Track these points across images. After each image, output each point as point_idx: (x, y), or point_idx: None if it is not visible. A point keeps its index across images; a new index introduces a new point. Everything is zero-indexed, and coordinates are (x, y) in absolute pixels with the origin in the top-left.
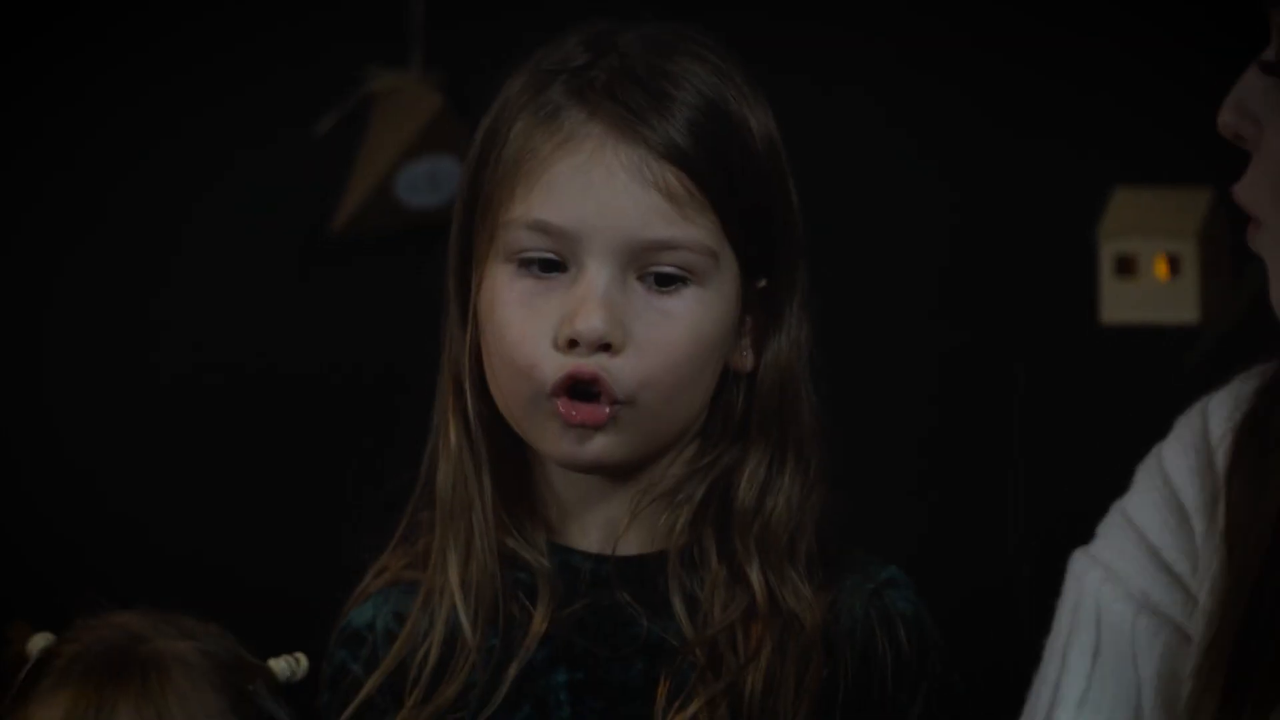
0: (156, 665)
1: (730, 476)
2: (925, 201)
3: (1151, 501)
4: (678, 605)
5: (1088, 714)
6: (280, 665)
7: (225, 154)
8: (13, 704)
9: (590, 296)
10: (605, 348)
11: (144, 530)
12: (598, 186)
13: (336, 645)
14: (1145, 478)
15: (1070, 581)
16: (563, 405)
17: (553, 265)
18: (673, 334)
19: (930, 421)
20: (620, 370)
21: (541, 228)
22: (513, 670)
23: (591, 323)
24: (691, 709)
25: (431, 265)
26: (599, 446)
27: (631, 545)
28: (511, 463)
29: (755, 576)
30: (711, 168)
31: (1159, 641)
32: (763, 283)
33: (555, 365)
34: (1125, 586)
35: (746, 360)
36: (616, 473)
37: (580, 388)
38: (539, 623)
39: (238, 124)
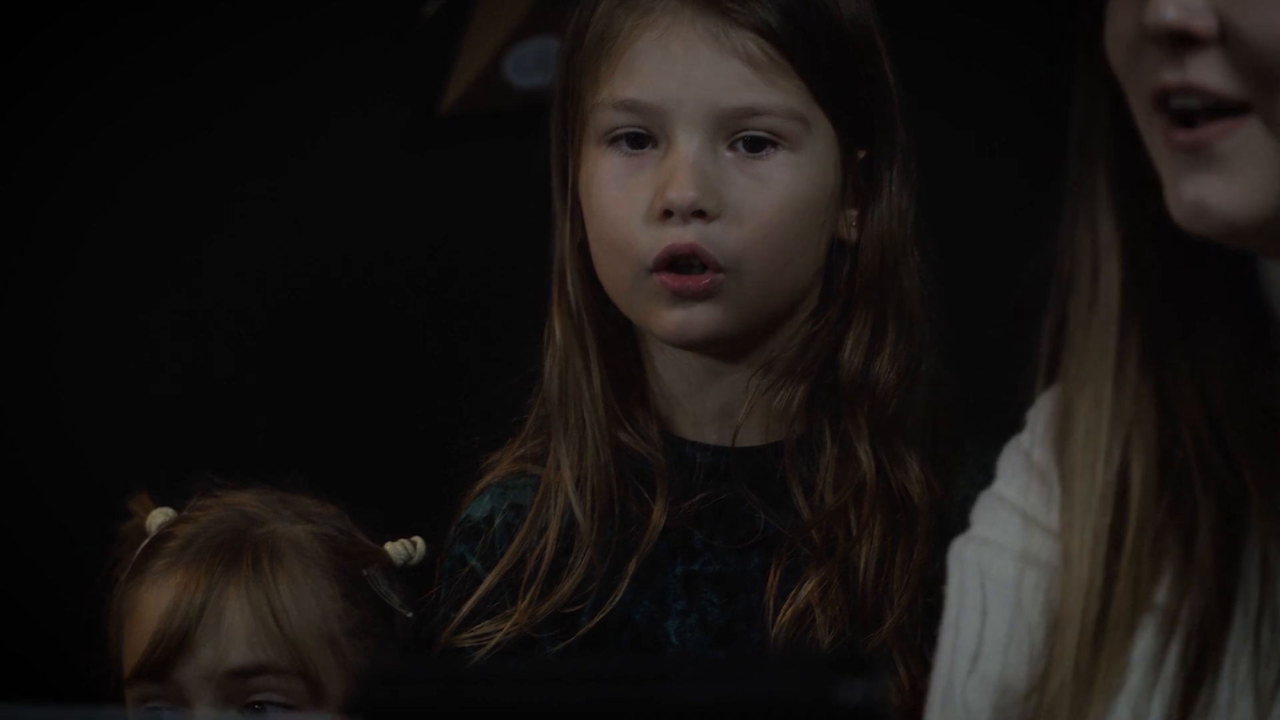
0: (269, 549)
1: (836, 348)
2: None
3: (1016, 477)
4: (796, 492)
5: (983, 664)
6: (397, 549)
7: (332, 36)
8: (127, 581)
9: (680, 166)
10: (700, 215)
11: (251, 424)
12: (678, 58)
13: (455, 538)
14: (1007, 460)
15: (952, 565)
16: (664, 278)
17: (642, 140)
18: (768, 198)
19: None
20: (718, 237)
21: (627, 105)
22: (632, 565)
23: (683, 191)
24: (805, 591)
25: (540, 148)
26: (706, 318)
27: (748, 437)
28: (621, 355)
29: (865, 453)
30: (792, 33)
31: (1043, 587)
32: (863, 153)
33: (652, 239)
34: (1006, 549)
35: (852, 231)
36: (727, 352)
37: (680, 263)
38: (657, 517)
39: (345, 5)
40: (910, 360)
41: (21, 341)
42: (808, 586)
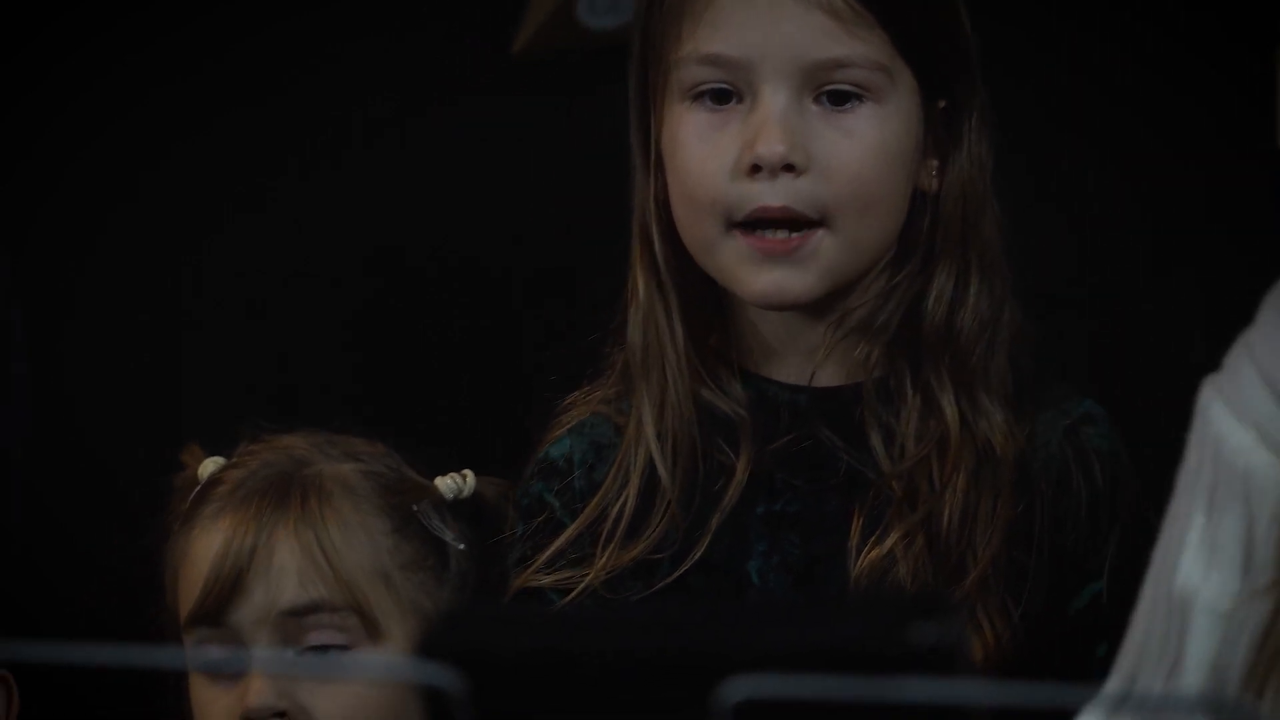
0: (317, 489)
1: (919, 299)
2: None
3: (1273, 337)
4: (874, 439)
5: (1205, 552)
6: (446, 484)
7: None
8: (180, 529)
9: (768, 120)
10: (789, 170)
11: (327, 380)
12: (762, 11)
13: (533, 477)
14: (1270, 310)
15: (1198, 412)
16: (752, 241)
17: (727, 96)
18: (855, 151)
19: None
20: (808, 192)
21: (712, 60)
22: (715, 521)
23: (772, 145)
24: (888, 543)
25: (611, 89)
26: (797, 283)
27: (828, 378)
28: (703, 311)
29: (948, 404)
30: None
31: (1273, 478)
32: (943, 103)
33: (739, 196)
34: (1244, 420)
35: (933, 181)
36: (813, 307)
37: (769, 224)
38: (740, 472)
39: None
40: (993, 311)
41: (84, 303)
42: (891, 537)
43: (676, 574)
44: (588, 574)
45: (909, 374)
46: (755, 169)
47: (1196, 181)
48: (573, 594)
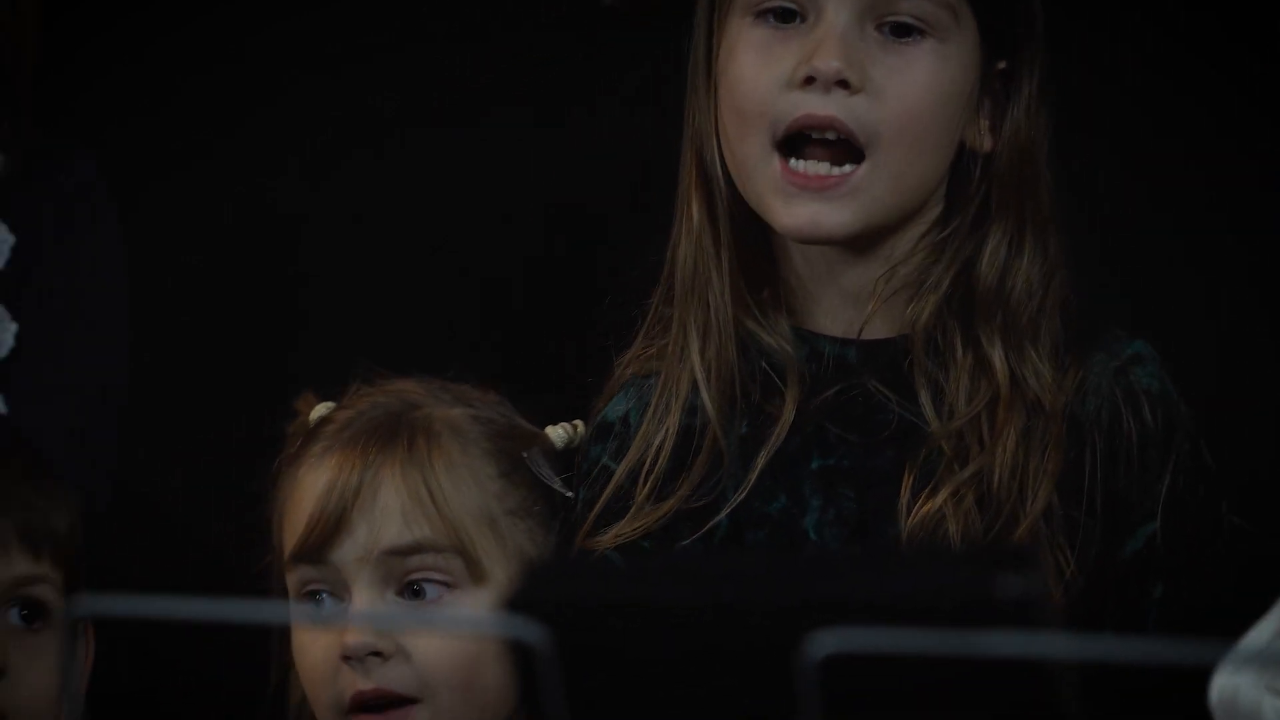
0: (426, 431)
1: (972, 260)
2: None
3: None
4: (923, 394)
5: None
6: (558, 432)
7: None
8: (287, 467)
9: (829, 36)
10: (843, 86)
11: (442, 328)
12: None
13: (591, 440)
14: None
15: None
16: (792, 176)
17: (790, 15)
18: (912, 82)
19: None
20: (859, 111)
21: None
22: (761, 459)
23: (828, 58)
24: (939, 499)
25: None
26: (834, 218)
27: (877, 330)
28: (753, 246)
29: (999, 361)
30: None
31: None
32: (1002, 64)
33: (789, 106)
34: None
35: (984, 140)
36: (853, 246)
37: (811, 140)
38: (788, 411)
39: None
40: (1044, 275)
41: (199, 247)
42: (943, 493)
43: (730, 518)
44: (641, 523)
45: (959, 331)
46: (809, 80)
47: (1205, 182)
48: (626, 544)
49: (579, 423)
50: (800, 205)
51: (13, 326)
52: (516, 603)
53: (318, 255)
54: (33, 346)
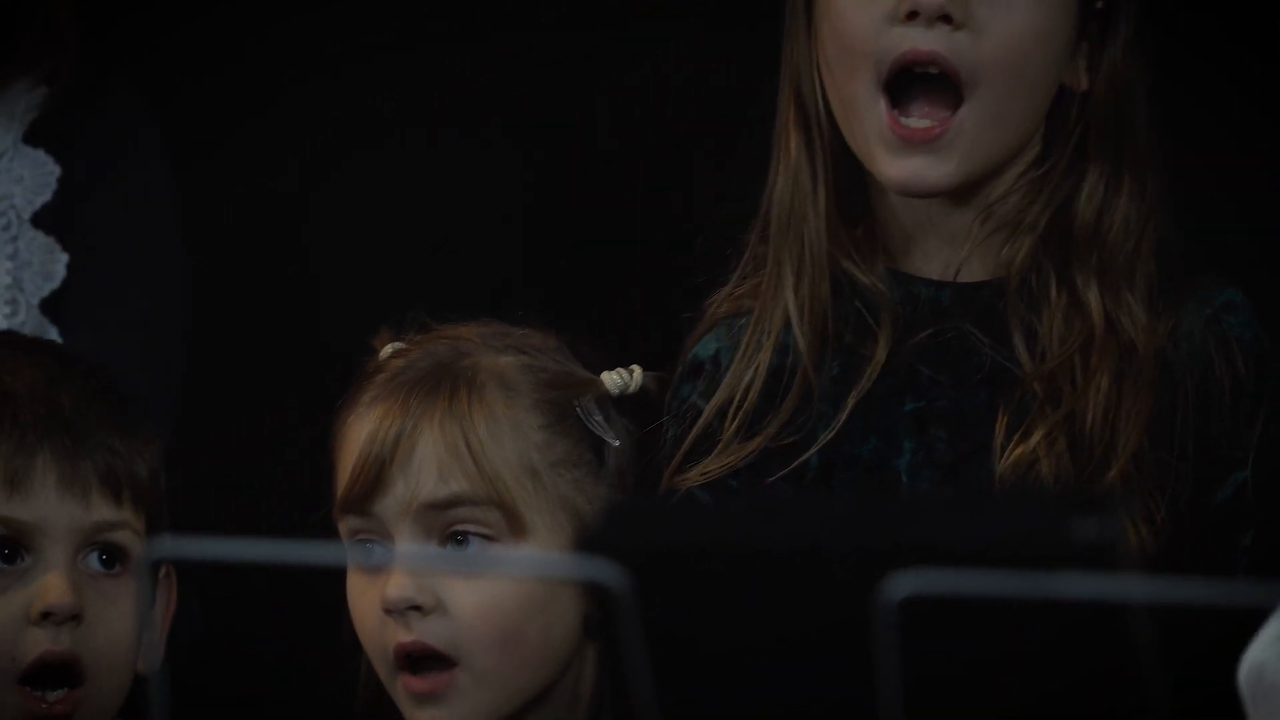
0: (469, 382)
1: (1069, 200)
2: None
3: None
4: (1017, 336)
5: None
6: (613, 379)
7: None
8: (342, 413)
9: None
10: (945, 20)
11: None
12: None
13: (680, 379)
14: None
15: None
16: (894, 124)
17: None
18: (1013, 19)
19: None
20: (962, 46)
21: None
22: (851, 399)
23: None
24: (1032, 441)
25: None
26: (933, 173)
27: (972, 272)
28: (849, 187)
29: (1094, 303)
30: None
31: None
32: (1100, 3)
33: (892, 41)
34: None
35: (1082, 80)
36: (954, 196)
37: (918, 71)
38: (881, 351)
39: None
40: (1141, 216)
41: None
42: (1036, 435)
43: (820, 458)
44: (728, 460)
45: (1054, 272)
46: (912, 15)
47: (1213, 181)
48: (719, 472)
49: (635, 368)
50: (904, 159)
51: (63, 257)
52: (592, 544)
53: (394, 201)
54: (84, 278)
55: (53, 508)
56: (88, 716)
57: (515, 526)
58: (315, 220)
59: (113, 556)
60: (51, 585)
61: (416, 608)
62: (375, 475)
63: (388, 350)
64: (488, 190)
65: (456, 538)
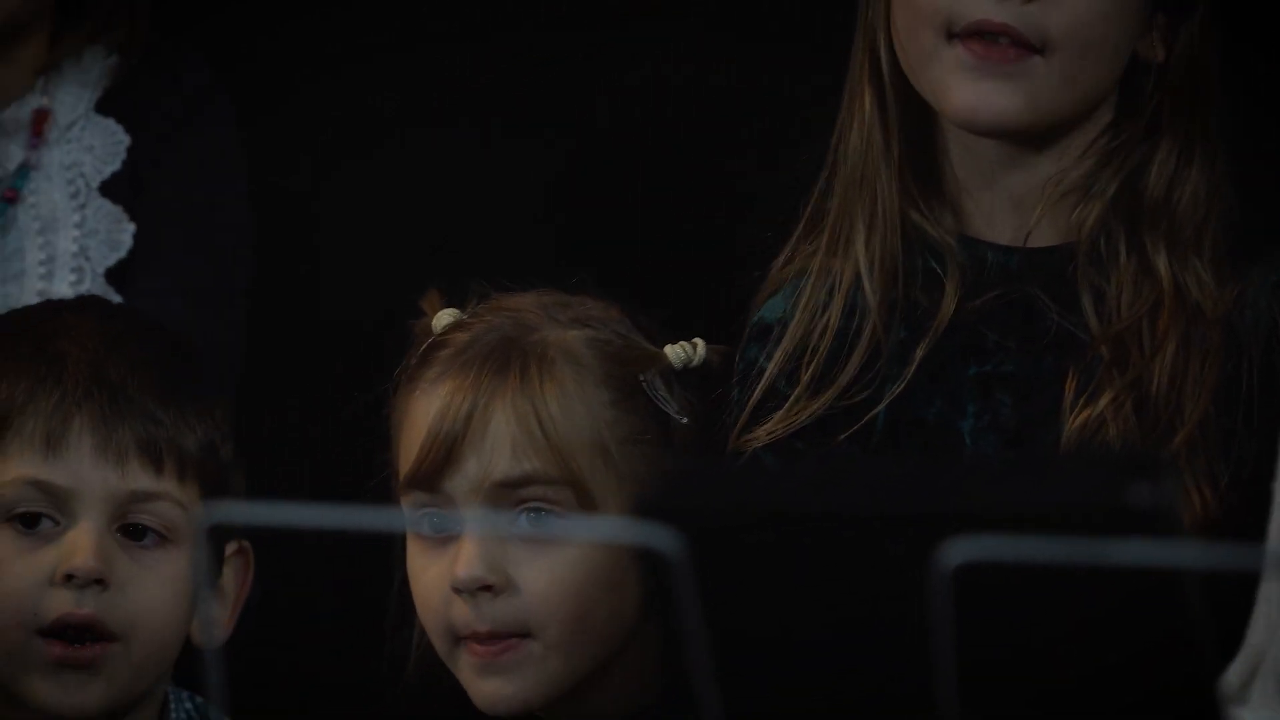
0: (540, 358)
1: (1140, 169)
2: None
3: None
4: (1085, 300)
5: None
6: (676, 352)
7: None
8: (404, 386)
9: None
10: None
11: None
12: None
13: (747, 340)
14: None
15: None
16: (971, 44)
17: None
18: None
19: None
20: (1034, 18)
21: None
22: (919, 353)
23: None
24: (1100, 404)
25: None
26: (1001, 101)
27: (1041, 237)
28: (921, 139)
29: (1162, 268)
30: None
31: None
32: None
33: (965, 7)
34: None
35: (1157, 51)
36: (1019, 142)
37: (988, 35)
38: (948, 306)
39: None
40: (1211, 189)
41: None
42: (1103, 399)
43: (886, 417)
44: (795, 418)
45: (1124, 237)
46: None
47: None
48: (785, 431)
49: (698, 341)
50: (975, 83)
51: (130, 227)
52: (647, 510)
53: (393, 201)
54: (151, 247)
55: (87, 473)
56: (118, 675)
57: (585, 503)
58: (323, 219)
59: (148, 527)
60: (77, 549)
61: (487, 588)
62: (446, 452)
63: (444, 319)
64: (488, 190)
65: (529, 514)
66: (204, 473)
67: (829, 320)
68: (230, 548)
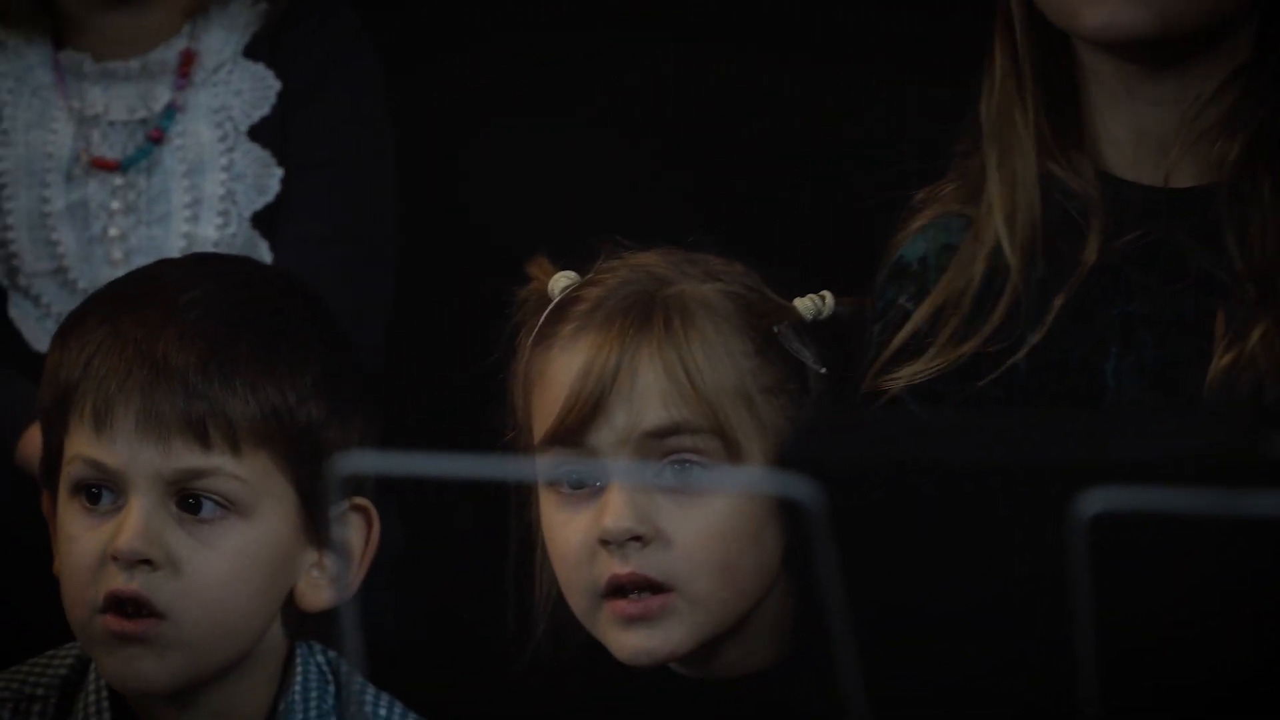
0: (681, 309)
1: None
2: None
3: None
4: (1229, 239)
5: None
6: (805, 305)
7: None
8: (534, 346)
9: None
10: None
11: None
12: None
13: (887, 280)
14: None
15: None
16: None
17: None
18: None
19: None
20: None
21: None
22: (1059, 301)
23: None
24: (1250, 341)
25: None
26: (1130, 14)
27: (1183, 177)
28: (1058, 88)
29: None
30: None
31: None
32: None
33: None
34: None
35: None
36: (1152, 63)
37: None
38: (1089, 253)
39: None
40: None
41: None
42: (1254, 335)
43: (1029, 364)
44: (938, 364)
45: (1268, 174)
46: None
47: None
48: (927, 376)
49: (826, 294)
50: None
51: (278, 172)
52: (786, 460)
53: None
54: (300, 195)
55: (133, 452)
56: (172, 652)
57: (732, 453)
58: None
59: (206, 499)
60: (122, 530)
61: (637, 538)
62: (594, 407)
63: (561, 281)
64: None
65: (674, 466)
66: (275, 440)
67: (976, 274)
68: (349, 504)
